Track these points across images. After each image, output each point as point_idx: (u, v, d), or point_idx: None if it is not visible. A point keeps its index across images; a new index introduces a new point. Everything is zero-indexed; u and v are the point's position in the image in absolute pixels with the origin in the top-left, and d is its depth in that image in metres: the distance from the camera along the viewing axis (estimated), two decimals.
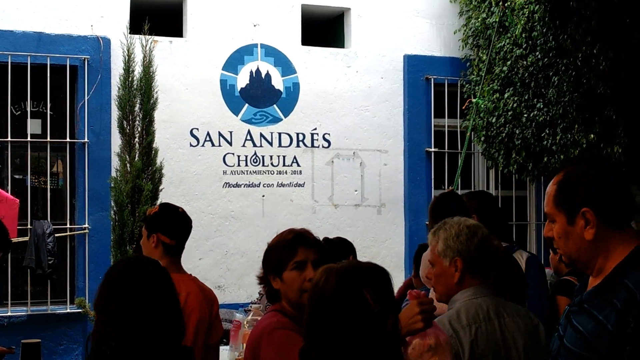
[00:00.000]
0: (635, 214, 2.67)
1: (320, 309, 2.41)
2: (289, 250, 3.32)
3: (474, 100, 8.65)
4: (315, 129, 9.01)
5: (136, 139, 7.62)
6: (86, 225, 8.09)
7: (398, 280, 7.40)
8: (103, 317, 2.96)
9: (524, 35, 7.89)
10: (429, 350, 2.72)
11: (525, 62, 7.99)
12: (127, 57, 7.67)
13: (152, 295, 2.96)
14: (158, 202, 7.60)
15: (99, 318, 2.98)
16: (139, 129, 7.62)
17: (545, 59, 7.67)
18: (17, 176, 8.25)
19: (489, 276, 3.44)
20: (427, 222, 4.78)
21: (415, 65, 9.38)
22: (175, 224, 4.40)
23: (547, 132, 7.81)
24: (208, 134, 8.60)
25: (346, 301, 2.39)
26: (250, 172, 8.76)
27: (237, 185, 8.70)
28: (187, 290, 4.15)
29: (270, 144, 8.84)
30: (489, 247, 3.42)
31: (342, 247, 5.48)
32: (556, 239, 2.69)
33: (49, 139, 8.11)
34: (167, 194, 8.01)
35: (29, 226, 7.81)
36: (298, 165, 8.95)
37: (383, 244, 9.21)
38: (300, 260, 3.30)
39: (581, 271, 2.75)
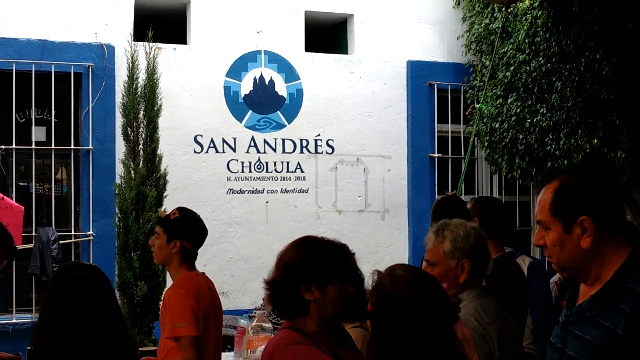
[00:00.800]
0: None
1: (399, 315, 2.49)
2: (340, 263, 3.07)
3: (477, 105, 8.66)
4: (318, 135, 9.03)
5: (140, 146, 7.63)
6: (90, 232, 8.11)
7: None
8: (44, 312, 3.13)
9: (527, 40, 7.90)
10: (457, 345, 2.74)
11: (528, 68, 8.00)
12: (131, 64, 7.69)
13: (96, 298, 3.13)
14: (163, 209, 7.62)
15: (40, 313, 3.16)
16: (143, 136, 7.63)
17: (549, 64, 7.67)
18: (21, 183, 8.27)
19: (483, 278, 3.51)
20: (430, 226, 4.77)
21: (418, 71, 9.39)
22: (198, 231, 4.58)
23: (551, 137, 7.81)
24: (212, 140, 8.62)
25: (426, 305, 2.53)
26: (254, 178, 8.77)
27: (241, 192, 8.71)
28: (201, 284, 4.44)
29: (274, 150, 8.86)
30: (488, 250, 3.50)
31: None
32: (549, 247, 2.66)
33: (53, 146, 8.13)
34: (172, 201, 8.01)
35: (33, 233, 7.82)
36: (302, 171, 8.96)
37: (387, 249, 9.22)
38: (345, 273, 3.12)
39: (573, 279, 2.74)
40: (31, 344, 3.15)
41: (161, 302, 4.46)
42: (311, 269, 3.02)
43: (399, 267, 2.65)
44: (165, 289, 7.63)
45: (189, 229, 4.52)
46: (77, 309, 3.04)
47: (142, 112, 7.64)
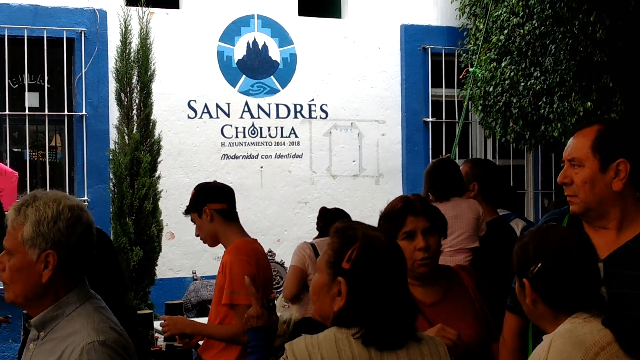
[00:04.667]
0: None
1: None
2: (398, 220, 3.22)
3: (471, 69, 8.64)
4: (312, 100, 9.02)
5: (134, 111, 7.62)
6: (85, 198, 8.12)
7: None
8: None
9: (520, 3, 7.86)
10: None
11: (522, 31, 7.97)
12: (124, 29, 7.66)
13: (97, 261, 3.10)
14: (157, 174, 7.63)
15: None
16: (137, 101, 7.63)
17: (542, 27, 7.65)
18: (15, 149, 8.27)
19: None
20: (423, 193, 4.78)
21: (412, 35, 9.37)
22: (218, 188, 4.48)
23: (545, 100, 7.81)
24: (206, 105, 8.61)
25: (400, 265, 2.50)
26: (248, 143, 8.77)
27: (236, 157, 8.72)
28: (260, 252, 4.36)
29: (268, 115, 8.85)
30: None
31: (340, 218, 5.52)
32: (578, 184, 2.72)
33: (46, 112, 8.11)
34: (166, 166, 8.04)
35: None
36: (296, 136, 8.96)
37: None
38: (410, 229, 3.21)
39: (588, 222, 2.78)
40: None
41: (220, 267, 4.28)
42: None
43: (372, 228, 2.62)
44: (157, 258, 7.69)
45: (207, 190, 4.43)
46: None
47: (135, 78, 7.63)
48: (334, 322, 2.42)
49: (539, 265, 2.36)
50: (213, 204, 4.33)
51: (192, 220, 4.45)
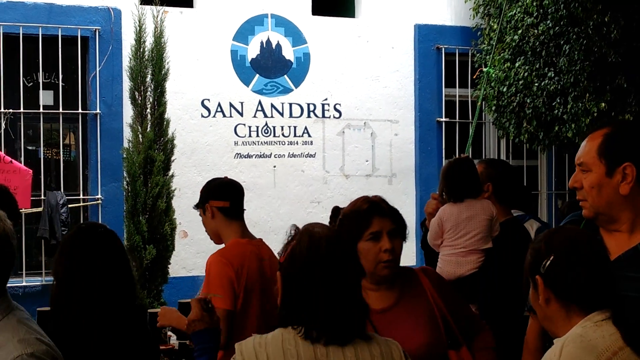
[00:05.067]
0: None
1: (314, 273, 2.44)
2: (364, 220, 3.16)
3: (484, 69, 8.60)
4: (326, 99, 9.02)
5: (148, 110, 7.64)
6: (99, 196, 8.15)
7: (409, 250, 7.43)
8: (63, 269, 3.12)
9: (534, 3, 7.84)
10: None
11: (536, 31, 7.95)
12: (138, 28, 7.69)
13: (106, 261, 3.12)
14: (170, 173, 7.65)
15: (59, 272, 3.14)
16: (151, 100, 7.65)
17: (557, 28, 7.62)
18: (29, 147, 8.31)
19: None
20: (437, 191, 4.75)
21: (425, 35, 9.35)
22: (222, 185, 4.36)
23: (558, 101, 7.79)
24: (219, 104, 8.62)
25: (339, 265, 2.48)
26: (261, 142, 8.78)
27: (249, 156, 8.73)
28: (247, 255, 4.19)
29: (281, 114, 8.86)
30: None
31: None
32: (586, 189, 2.73)
33: (61, 110, 8.14)
34: (179, 165, 8.05)
35: (42, 197, 7.87)
36: (309, 135, 8.96)
37: None
38: (376, 230, 3.15)
39: (600, 226, 2.79)
40: (50, 302, 3.17)
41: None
42: (340, 230, 3.11)
43: (317, 225, 2.61)
44: (173, 252, 7.71)
45: (210, 187, 4.34)
46: (94, 267, 3.06)
47: (149, 76, 7.65)
48: (278, 320, 2.45)
49: (551, 258, 2.35)
50: (215, 201, 4.27)
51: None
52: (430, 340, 3.11)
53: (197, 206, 4.39)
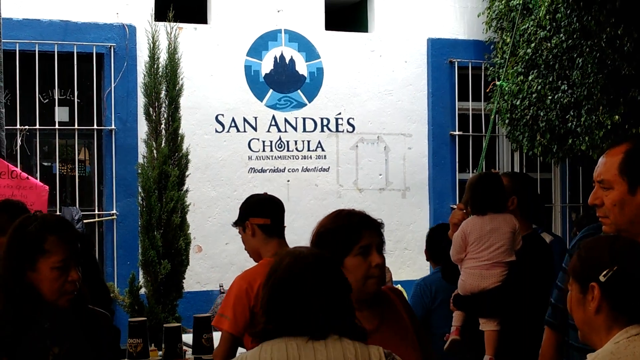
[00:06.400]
0: None
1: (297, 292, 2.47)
2: (354, 234, 2.98)
3: (498, 83, 8.63)
4: (339, 113, 9.04)
5: (162, 126, 7.67)
6: (114, 212, 8.18)
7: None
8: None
9: (547, 17, 7.86)
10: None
11: (549, 44, 7.96)
12: (152, 45, 7.72)
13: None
14: (185, 188, 7.67)
15: None
16: (165, 116, 7.67)
17: (570, 41, 7.64)
18: (45, 163, 8.36)
19: None
20: (461, 201, 4.67)
21: (439, 49, 9.37)
22: (262, 202, 4.25)
23: (572, 114, 7.79)
24: (233, 119, 8.66)
25: (324, 285, 2.51)
26: (275, 157, 8.80)
27: (263, 171, 8.75)
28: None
29: (295, 129, 8.89)
30: None
31: None
32: (608, 207, 2.71)
33: (76, 127, 8.19)
34: (194, 180, 8.07)
35: (58, 212, 7.90)
36: (322, 150, 8.98)
37: (408, 227, 9.24)
38: (366, 244, 2.98)
39: None
40: None
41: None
42: (323, 244, 3.00)
43: (300, 247, 2.61)
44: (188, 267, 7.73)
45: (251, 204, 4.23)
46: None
47: (163, 92, 7.68)
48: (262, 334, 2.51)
49: (615, 268, 2.29)
50: (255, 219, 4.16)
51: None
52: (419, 358, 3.04)
53: (236, 224, 4.29)
